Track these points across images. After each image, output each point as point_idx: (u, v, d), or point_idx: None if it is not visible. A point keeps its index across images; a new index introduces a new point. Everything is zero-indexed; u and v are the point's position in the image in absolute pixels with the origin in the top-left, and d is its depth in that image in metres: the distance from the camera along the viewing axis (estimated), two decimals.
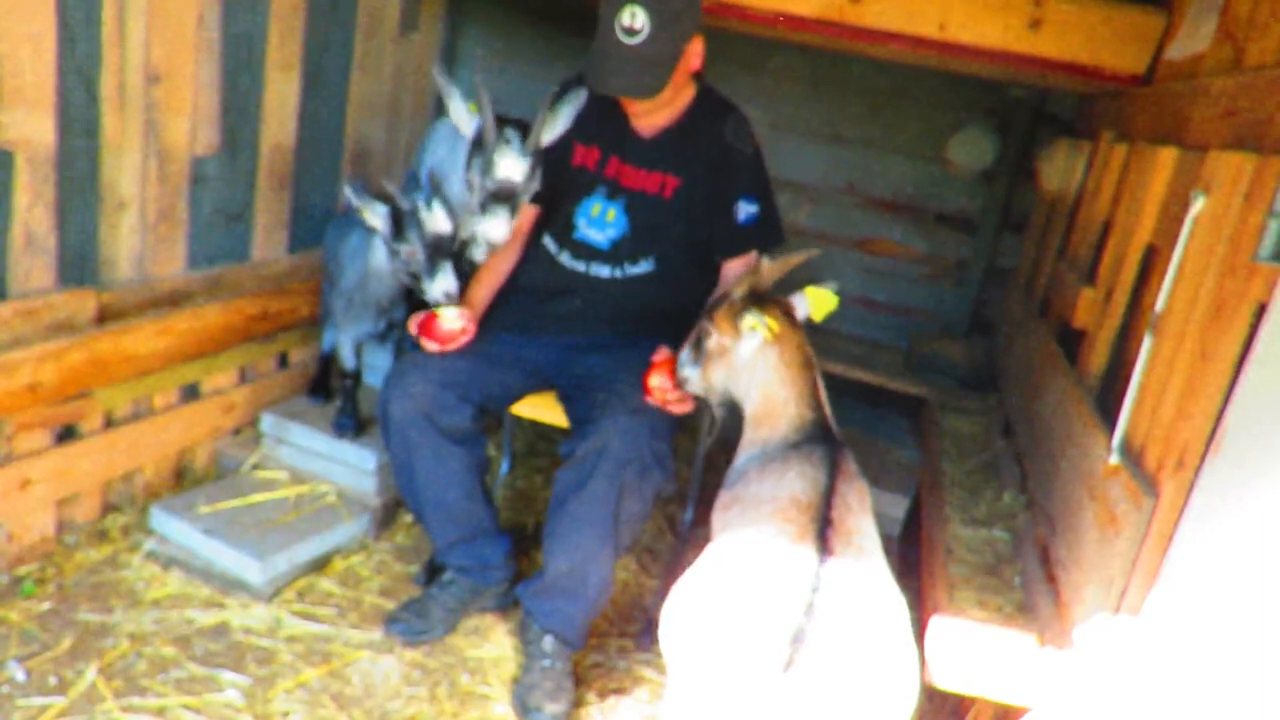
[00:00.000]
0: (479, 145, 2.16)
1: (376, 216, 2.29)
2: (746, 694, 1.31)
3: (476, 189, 2.16)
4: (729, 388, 1.98)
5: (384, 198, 2.30)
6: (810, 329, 2.01)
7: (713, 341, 1.96)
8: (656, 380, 2.13)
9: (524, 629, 2.30)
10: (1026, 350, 2.93)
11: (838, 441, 1.79)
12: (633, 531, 2.18)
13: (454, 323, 2.23)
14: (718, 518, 1.81)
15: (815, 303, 2.01)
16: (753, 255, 2.39)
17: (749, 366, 1.91)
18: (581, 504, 2.10)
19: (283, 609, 2.37)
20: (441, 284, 2.19)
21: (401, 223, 2.25)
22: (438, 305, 2.22)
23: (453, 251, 2.22)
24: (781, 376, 1.87)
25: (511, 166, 2.12)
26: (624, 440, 2.07)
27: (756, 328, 1.86)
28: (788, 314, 1.93)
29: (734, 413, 2.04)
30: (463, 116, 2.19)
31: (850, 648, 1.35)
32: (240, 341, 2.85)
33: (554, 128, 2.24)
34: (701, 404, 2.17)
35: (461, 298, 2.27)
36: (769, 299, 1.92)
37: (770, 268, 1.93)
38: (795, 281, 2.04)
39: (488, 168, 2.13)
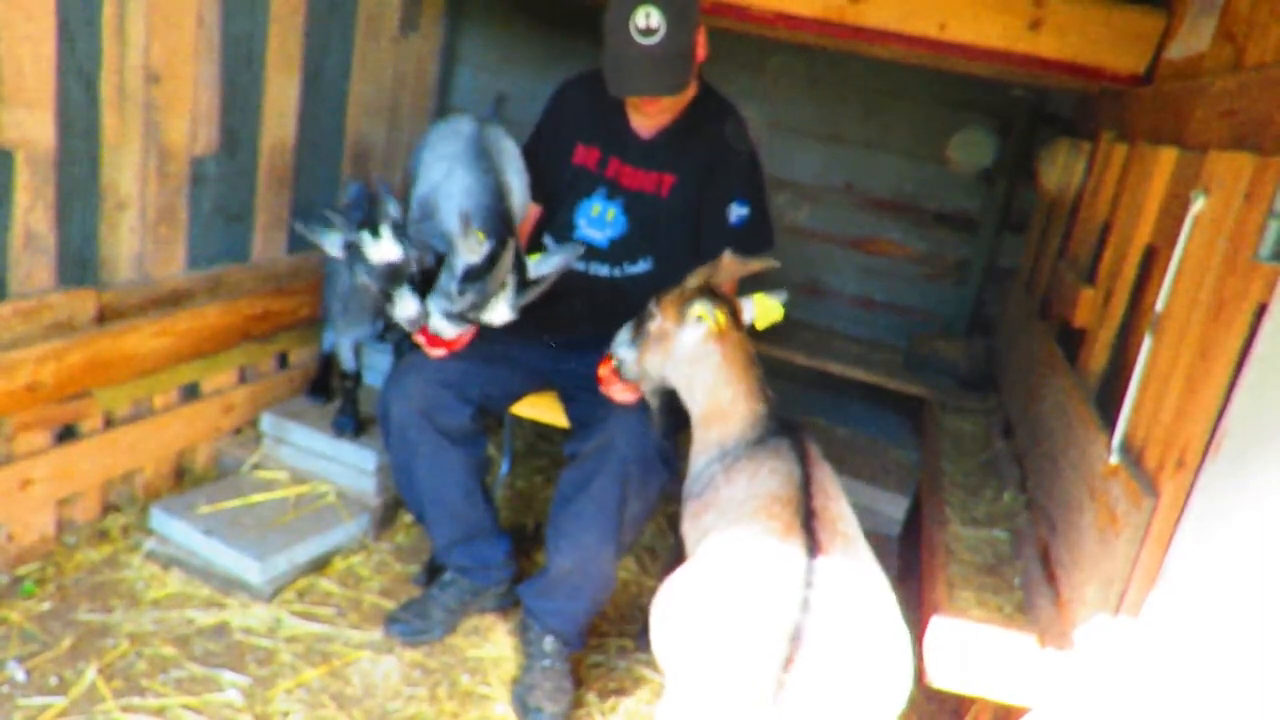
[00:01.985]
0: (477, 275, 1.98)
1: (334, 247, 2.11)
2: (746, 694, 1.31)
3: (456, 304, 2.01)
4: (665, 375, 1.96)
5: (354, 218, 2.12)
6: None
7: (655, 325, 1.94)
8: (605, 370, 2.11)
9: (524, 629, 2.30)
10: (1026, 350, 2.93)
11: (797, 429, 1.79)
12: (635, 531, 2.19)
13: (448, 332, 2.17)
14: (690, 526, 1.80)
15: (761, 311, 2.00)
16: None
17: (690, 360, 1.90)
18: (586, 501, 2.10)
19: (283, 609, 2.37)
20: (402, 310, 2.04)
21: (355, 252, 2.07)
22: (411, 326, 2.10)
23: (411, 276, 2.06)
24: (725, 375, 1.86)
25: (500, 314, 2.01)
26: (629, 438, 2.07)
27: (704, 317, 1.85)
28: (734, 314, 1.92)
29: (670, 404, 2.03)
30: (474, 245, 1.98)
31: (847, 642, 1.36)
32: (240, 341, 2.85)
33: (544, 271, 2.09)
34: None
35: None
36: (719, 296, 1.91)
37: (729, 264, 1.92)
38: (748, 288, 2.03)
39: (479, 304, 1.98)
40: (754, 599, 1.41)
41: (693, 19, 2.10)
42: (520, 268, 2.03)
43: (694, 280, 1.92)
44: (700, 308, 1.86)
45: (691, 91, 2.31)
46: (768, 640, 1.33)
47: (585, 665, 2.38)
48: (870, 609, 1.44)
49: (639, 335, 1.99)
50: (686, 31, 2.08)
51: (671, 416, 2.19)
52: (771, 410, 1.84)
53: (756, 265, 1.96)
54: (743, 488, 1.69)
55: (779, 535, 1.50)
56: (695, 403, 1.92)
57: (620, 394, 2.11)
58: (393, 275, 2.07)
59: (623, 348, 2.03)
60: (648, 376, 2.00)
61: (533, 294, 2.03)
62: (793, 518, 1.53)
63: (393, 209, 2.12)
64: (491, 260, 1.95)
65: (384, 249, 2.05)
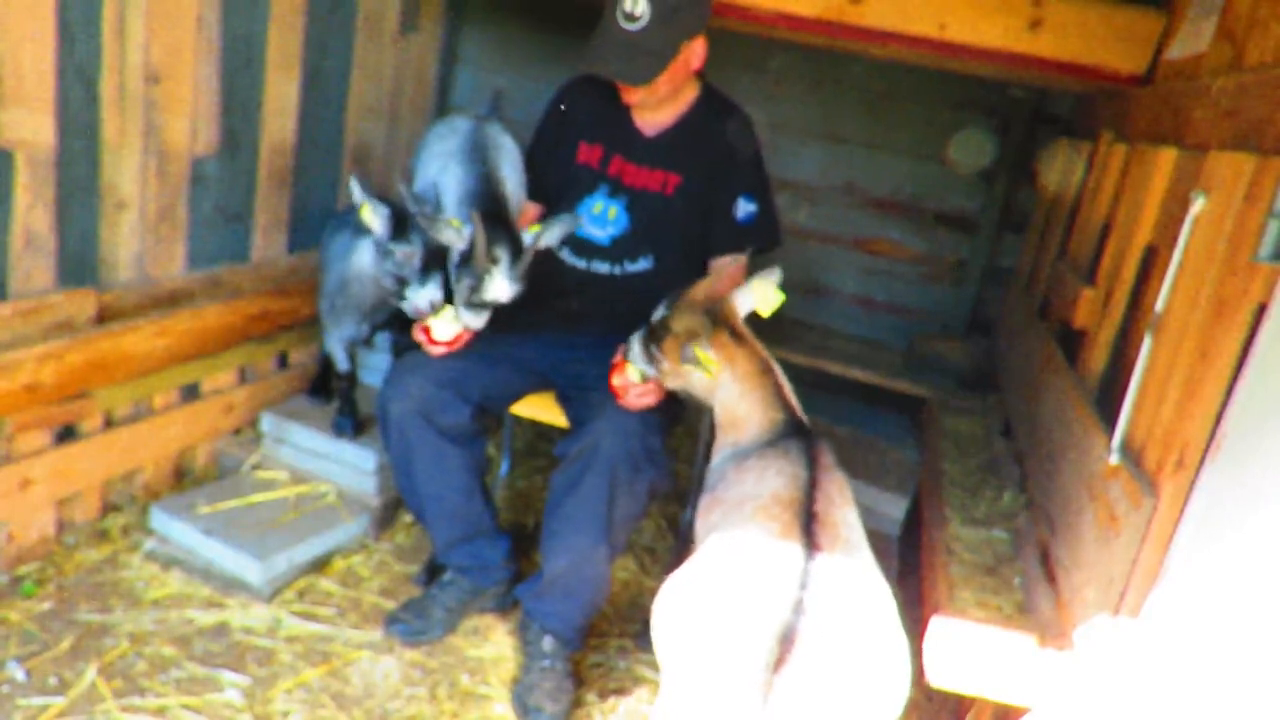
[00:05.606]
0: (468, 261, 2.02)
1: (377, 216, 2.22)
2: (736, 695, 1.31)
3: (461, 293, 2.06)
4: (691, 395, 2.01)
5: (388, 199, 2.25)
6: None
7: (665, 366, 1.96)
8: (618, 380, 2.10)
9: (524, 629, 2.30)
10: (1026, 350, 2.93)
11: (812, 434, 1.79)
12: (628, 529, 2.19)
13: (449, 329, 2.19)
14: (700, 522, 1.80)
15: (760, 297, 1.99)
16: (744, 255, 2.39)
17: (706, 388, 1.93)
18: (575, 503, 2.10)
19: (283, 609, 2.37)
20: (427, 294, 2.15)
21: (405, 224, 2.19)
22: (420, 316, 2.18)
23: (444, 267, 2.16)
24: (739, 391, 1.87)
25: (499, 289, 2.03)
26: (615, 438, 2.07)
27: (700, 365, 1.86)
28: (734, 330, 1.92)
29: (666, 403, 2.06)
30: (451, 234, 2.05)
31: (840, 645, 1.35)
32: (240, 341, 2.85)
33: (546, 241, 2.12)
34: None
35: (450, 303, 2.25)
36: (714, 317, 1.91)
37: (698, 296, 1.93)
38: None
39: (476, 287, 2.02)
40: (747, 599, 1.41)
41: (683, 22, 2.12)
42: (513, 240, 2.03)
43: (680, 320, 1.90)
44: (688, 364, 1.86)
45: (691, 93, 2.33)
46: (759, 641, 1.33)
47: (585, 665, 2.38)
48: (867, 614, 1.43)
49: (652, 361, 2.00)
50: (670, 30, 2.11)
51: (667, 415, 2.20)
52: (791, 416, 1.84)
53: (724, 292, 1.97)
54: (749, 487, 1.69)
55: (776, 536, 1.50)
56: (715, 412, 1.95)
57: (637, 400, 2.10)
58: (438, 256, 2.13)
59: (641, 364, 2.03)
60: (677, 389, 2.04)
61: (527, 260, 2.03)
62: (793, 519, 1.52)
63: (414, 204, 2.13)
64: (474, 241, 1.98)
65: (451, 234, 2.06)
